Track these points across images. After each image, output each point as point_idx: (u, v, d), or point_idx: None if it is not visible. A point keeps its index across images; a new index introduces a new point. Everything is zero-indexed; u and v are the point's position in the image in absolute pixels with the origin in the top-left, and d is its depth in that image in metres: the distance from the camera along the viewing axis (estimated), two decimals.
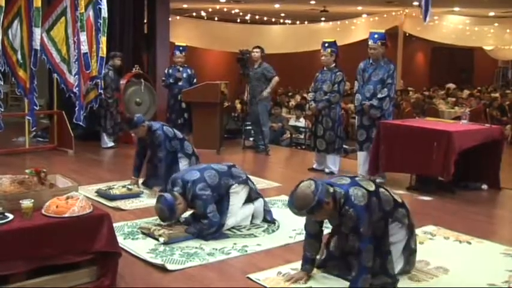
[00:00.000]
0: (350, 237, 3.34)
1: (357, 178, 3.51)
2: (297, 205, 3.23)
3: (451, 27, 18.45)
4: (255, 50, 8.36)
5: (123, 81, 8.91)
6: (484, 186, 6.23)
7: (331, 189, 3.28)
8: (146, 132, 5.65)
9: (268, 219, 4.74)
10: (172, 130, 5.84)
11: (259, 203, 4.73)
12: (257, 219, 4.72)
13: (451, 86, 20.56)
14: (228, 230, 4.48)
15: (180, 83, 8.56)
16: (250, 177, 4.92)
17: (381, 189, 3.48)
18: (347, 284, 3.46)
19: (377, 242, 3.33)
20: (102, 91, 7.76)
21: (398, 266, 3.54)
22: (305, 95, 13.45)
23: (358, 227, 3.23)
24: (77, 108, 7.57)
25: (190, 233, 4.27)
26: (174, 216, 4.30)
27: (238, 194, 4.55)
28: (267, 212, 4.78)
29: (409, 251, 3.59)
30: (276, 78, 8.34)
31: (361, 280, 3.25)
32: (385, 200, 3.43)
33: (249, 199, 4.68)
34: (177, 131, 5.91)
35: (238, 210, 4.55)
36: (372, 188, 3.40)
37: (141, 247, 4.08)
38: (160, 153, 5.60)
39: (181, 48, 8.68)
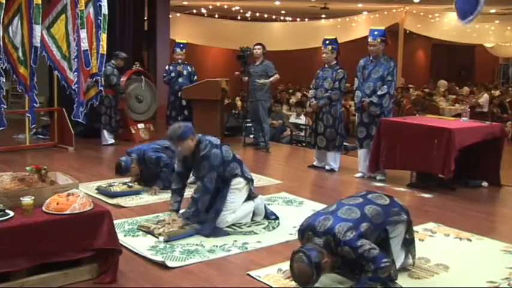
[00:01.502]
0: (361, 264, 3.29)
1: (339, 211, 3.41)
2: (301, 282, 3.28)
3: (451, 24, 18.41)
4: (256, 47, 8.34)
5: (123, 78, 8.91)
6: (485, 184, 6.23)
7: (321, 243, 3.27)
8: (139, 167, 5.70)
9: (273, 218, 4.76)
10: (161, 143, 5.84)
11: (259, 200, 4.74)
12: (258, 217, 4.72)
13: (443, 82, 20.62)
14: (229, 227, 4.49)
15: (180, 80, 8.56)
16: (251, 174, 4.92)
17: (366, 207, 3.42)
18: (348, 282, 3.47)
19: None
20: (102, 88, 7.76)
21: (399, 261, 3.54)
22: (306, 92, 13.48)
23: (361, 255, 3.21)
24: (75, 105, 7.57)
25: (188, 215, 4.39)
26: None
27: (240, 191, 4.56)
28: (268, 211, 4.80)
29: (407, 242, 3.59)
30: (277, 76, 8.34)
31: (369, 283, 3.25)
32: (375, 215, 3.39)
33: (249, 197, 4.68)
34: (165, 142, 5.85)
35: (238, 207, 4.56)
36: (357, 214, 3.35)
37: (141, 244, 4.08)
38: (165, 161, 5.59)
39: (181, 45, 8.68)
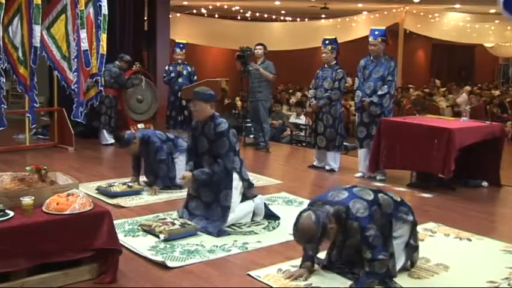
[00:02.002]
0: (361, 249, 3.30)
1: (354, 189, 3.48)
2: (303, 239, 3.28)
3: (451, 24, 18.44)
4: (257, 47, 8.33)
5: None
6: (485, 184, 6.23)
7: (331, 210, 3.28)
8: (139, 146, 5.65)
9: (273, 218, 4.75)
10: (164, 134, 5.89)
11: (259, 200, 4.73)
12: (258, 217, 4.72)
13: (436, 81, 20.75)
14: (228, 227, 4.48)
15: (180, 80, 8.56)
16: (251, 174, 4.93)
17: (380, 194, 3.49)
18: (347, 281, 3.47)
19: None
20: (102, 88, 7.76)
21: (399, 262, 3.54)
22: (306, 92, 13.48)
23: (366, 237, 3.23)
24: (74, 106, 7.57)
25: (200, 177, 4.41)
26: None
27: (237, 190, 4.55)
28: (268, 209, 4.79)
29: (411, 248, 3.60)
30: (272, 78, 8.26)
31: (368, 282, 3.26)
32: (386, 204, 3.44)
33: (247, 197, 4.68)
34: (168, 134, 6.01)
35: (236, 206, 4.54)
36: (371, 196, 3.40)
37: (141, 244, 4.08)
38: (161, 157, 5.58)
39: (181, 45, 8.68)
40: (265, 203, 4.81)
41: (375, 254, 3.22)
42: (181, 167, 5.38)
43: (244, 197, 4.67)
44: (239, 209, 4.58)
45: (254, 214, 4.70)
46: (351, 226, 3.27)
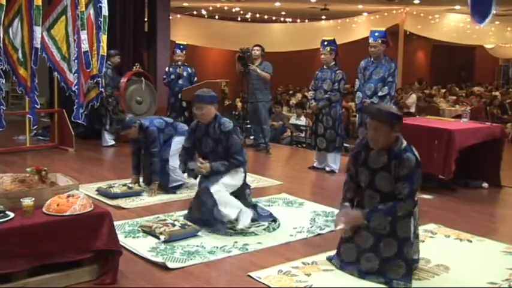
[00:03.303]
0: (397, 185, 3.39)
1: None
2: (382, 111, 3.51)
3: (451, 25, 18.44)
4: (255, 48, 8.35)
5: (123, 80, 8.91)
6: (485, 185, 6.22)
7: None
8: (138, 132, 5.65)
9: (270, 220, 4.74)
10: (162, 120, 5.89)
11: (248, 212, 4.57)
12: (238, 223, 4.55)
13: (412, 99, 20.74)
14: (229, 228, 4.48)
15: (180, 81, 8.55)
16: (251, 175, 4.93)
17: None
18: (349, 283, 3.48)
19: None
20: (103, 89, 7.76)
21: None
22: (306, 93, 13.48)
23: (412, 175, 3.35)
24: (75, 107, 7.57)
25: (218, 169, 4.40)
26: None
27: (236, 173, 4.51)
28: (263, 216, 4.73)
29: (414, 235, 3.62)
30: (267, 75, 8.22)
31: (379, 216, 3.38)
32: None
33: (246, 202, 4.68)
34: (165, 118, 6.05)
35: (229, 187, 4.50)
36: None
37: (142, 245, 4.08)
38: (154, 149, 5.58)
39: (181, 46, 8.68)
40: (261, 214, 4.72)
41: (407, 193, 3.34)
42: (178, 146, 5.36)
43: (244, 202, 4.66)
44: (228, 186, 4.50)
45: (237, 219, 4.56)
46: (406, 156, 3.37)
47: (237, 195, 4.58)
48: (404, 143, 3.47)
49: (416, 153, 3.44)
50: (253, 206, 4.71)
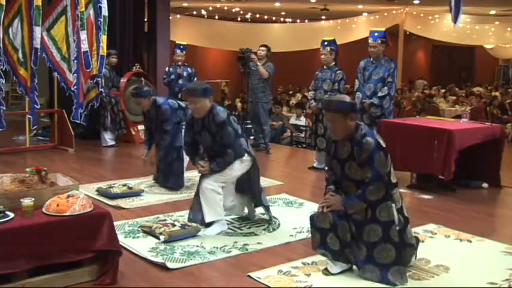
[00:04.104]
0: (361, 170, 3.43)
1: None
2: (334, 102, 3.57)
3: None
4: (261, 48, 8.28)
5: (123, 80, 8.92)
6: (485, 185, 6.22)
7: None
8: (151, 106, 5.74)
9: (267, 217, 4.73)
10: (176, 102, 6.03)
11: (221, 224, 4.51)
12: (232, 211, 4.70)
13: (421, 82, 20.81)
14: (229, 228, 4.49)
15: (180, 81, 8.56)
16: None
17: None
18: (349, 283, 3.47)
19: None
20: (102, 89, 7.76)
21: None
22: (306, 93, 13.49)
23: (372, 158, 3.37)
24: (74, 107, 7.57)
25: (216, 169, 4.32)
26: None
27: (240, 164, 4.44)
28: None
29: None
30: (264, 72, 8.18)
31: (354, 203, 3.43)
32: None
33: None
34: (180, 102, 6.11)
35: (233, 177, 4.47)
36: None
37: (141, 246, 4.08)
38: (167, 127, 5.67)
39: (181, 46, 8.68)
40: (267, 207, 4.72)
41: (372, 176, 3.37)
42: None
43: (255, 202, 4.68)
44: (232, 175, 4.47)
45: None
46: (365, 141, 3.40)
47: (243, 188, 4.59)
48: (366, 129, 3.52)
49: (377, 136, 3.48)
50: (266, 208, 4.68)
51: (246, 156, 4.45)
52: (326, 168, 3.87)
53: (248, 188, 4.64)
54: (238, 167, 4.43)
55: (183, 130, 5.55)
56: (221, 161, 4.35)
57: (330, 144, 3.72)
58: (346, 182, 3.57)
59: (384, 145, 3.48)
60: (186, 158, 5.65)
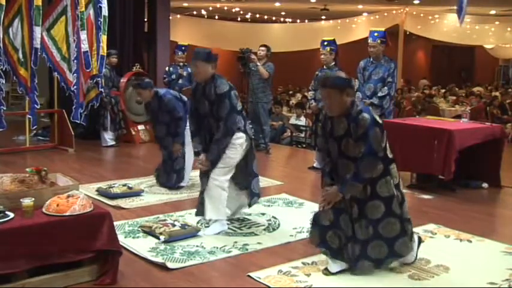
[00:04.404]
0: (356, 147, 3.43)
1: None
2: (330, 80, 3.58)
3: (451, 25, 18.41)
4: (260, 48, 8.28)
5: (123, 80, 8.92)
6: (485, 185, 6.22)
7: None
8: (152, 98, 5.73)
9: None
10: (178, 94, 6.06)
11: (222, 225, 4.51)
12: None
13: (423, 81, 20.82)
14: (229, 228, 4.49)
15: (180, 81, 8.56)
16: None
17: None
18: (349, 283, 3.48)
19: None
20: (102, 89, 7.76)
21: None
22: (306, 93, 13.48)
23: (367, 133, 3.37)
24: (74, 107, 7.57)
25: (213, 156, 4.29)
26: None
27: (241, 147, 4.38)
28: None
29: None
30: (264, 71, 8.18)
31: (349, 185, 3.43)
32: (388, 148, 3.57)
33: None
34: (182, 95, 6.12)
35: (234, 165, 4.41)
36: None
37: (141, 246, 4.08)
38: (179, 114, 5.66)
39: (183, 47, 8.69)
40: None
41: (366, 151, 3.37)
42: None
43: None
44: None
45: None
46: (361, 117, 3.40)
47: (241, 179, 4.56)
48: (361, 105, 3.56)
49: (373, 113, 3.49)
50: (253, 195, 4.62)
51: (240, 134, 4.33)
52: (321, 152, 3.83)
53: (244, 175, 4.58)
54: (235, 152, 4.34)
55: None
56: (215, 148, 4.29)
57: (325, 121, 3.67)
58: (343, 160, 3.54)
59: (380, 121, 3.49)
60: (190, 158, 5.67)
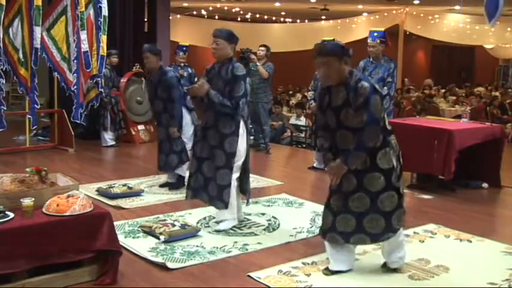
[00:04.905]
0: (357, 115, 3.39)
1: None
2: (326, 47, 3.50)
3: (451, 25, 18.43)
4: (260, 48, 8.30)
5: (123, 80, 8.92)
6: (485, 185, 6.22)
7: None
8: (157, 69, 5.68)
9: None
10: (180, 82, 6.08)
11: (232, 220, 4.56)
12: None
13: (428, 81, 20.82)
14: (230, 228, 4.49)
15: (181, 81, 8.55)
16: (251, 175, 4.88)
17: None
18: (349, 283, 3.48)
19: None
20: (102, 89, 7.76)
21: None
22: (306, 93, 13.49)
23: (368, 101, 3.33)
24: (74, 107, 7.57)
25: (212, 97, 4.27)
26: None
27: (243, 138, 4.40)
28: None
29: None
30: (264, 71, 8.18)
31: (354, 156, 3.38)
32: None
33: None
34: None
35: (243, 154, 4.41)
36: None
37: (141, 246, 4.08)
38: (174, 94, 5.60)
39: (184, 48, 8.68)
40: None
41: (368, 120, 3.32)
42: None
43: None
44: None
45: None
46: (360, 86, 3.37)
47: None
48: (360, 75, 3.51)
49: (372, 81, 3.47)
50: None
51: (242, 123, 4.38)
52: (318, 127, 3.77)
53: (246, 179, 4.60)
54: (242, 141, 4.38)
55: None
56: (219, 96, 4.28)
57: (322, 94, 3.61)
58: (342, 131, 3.48)
59: (379, 89, 3.47)
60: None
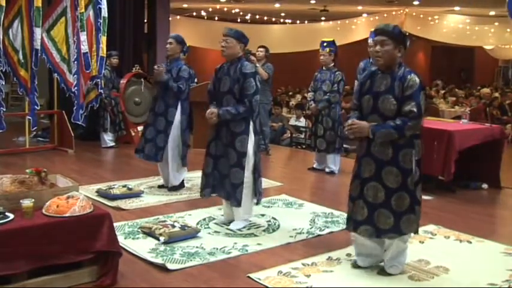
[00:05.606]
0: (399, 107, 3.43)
1: None
2: (390, 26, 3.52)
3: (451, 26, 18.44)
4: (259, 49, 8.32)
5: (123, 81, 8.92)
6: (485, 186, 6.23)
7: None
8: (175, 57, 5.70)
9: None
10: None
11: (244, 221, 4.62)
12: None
13: (438, 82, 20.86)
14: (230, 229, 4.50)
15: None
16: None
17: None
18: (349, 283, 3.48)
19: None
20: (102, 91, 7.76)
21: None
22: (305, 94, 13.50)
23: (418, 95, 3.42)
24: (75, 108, 7.58)
25: (224, 117, 4.31)
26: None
27: (251, 139, 4.42)
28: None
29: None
30: (263, 72, 8.17)
31: (386, 130, 3.40)
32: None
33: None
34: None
35: (252, 154, 4.42)
36: None
37: (141, 247, 4.08)
38: (180, 85, 5.57)
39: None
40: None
41: (417, 113, 3.40)
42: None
43: None
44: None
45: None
46: (411, 78, 3.43)
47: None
48: (409, 68, 3.54)
49: (421, 78, 3.50)
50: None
51: (251, 123, 4.41)
52: (352, 111, 3.78)
53: None
54: (251, 142, 4.40)
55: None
56: (230, 110, 4.32)
57: (365, 79, 3.63)
58: (374, 117, 3.50)
59: (424, 86, 3.55)
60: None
